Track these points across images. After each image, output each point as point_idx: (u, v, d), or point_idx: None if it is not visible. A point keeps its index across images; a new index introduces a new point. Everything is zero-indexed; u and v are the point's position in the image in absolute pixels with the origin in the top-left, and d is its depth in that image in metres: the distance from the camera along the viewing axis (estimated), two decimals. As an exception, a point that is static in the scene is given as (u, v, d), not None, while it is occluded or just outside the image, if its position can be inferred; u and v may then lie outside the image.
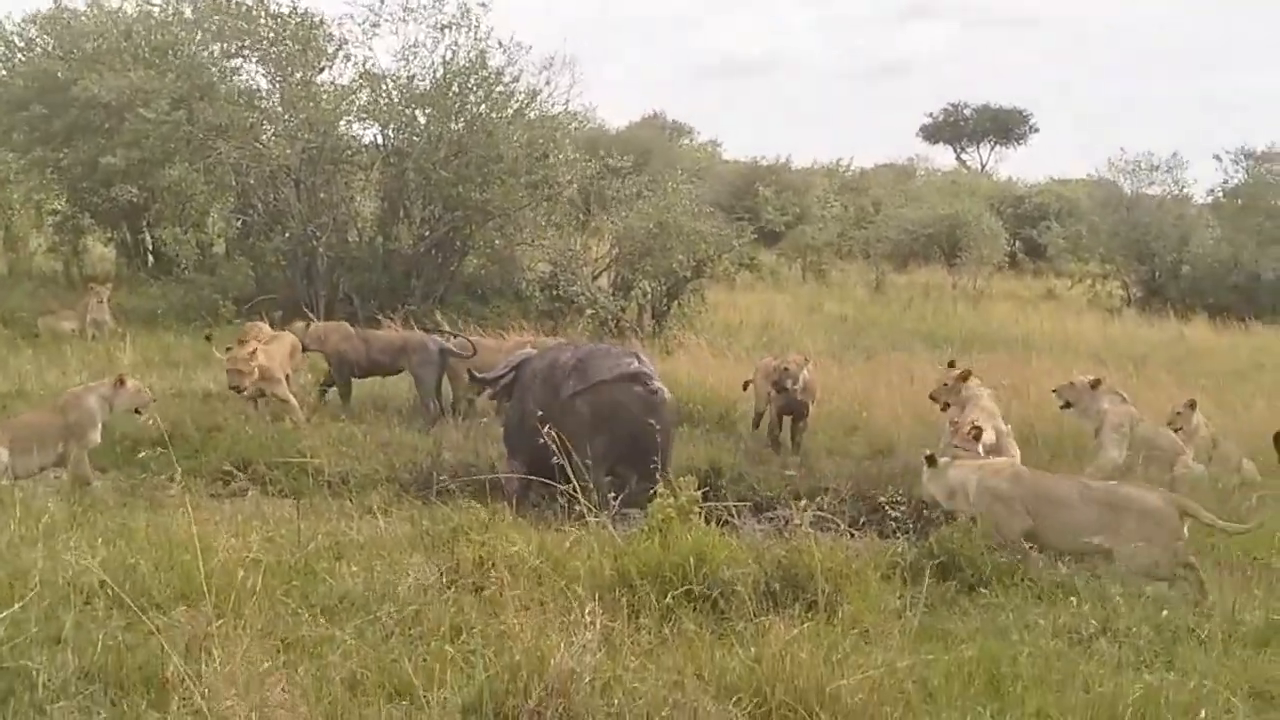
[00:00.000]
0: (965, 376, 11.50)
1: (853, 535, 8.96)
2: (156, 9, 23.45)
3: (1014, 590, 7.98)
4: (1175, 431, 12.19)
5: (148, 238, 25.65)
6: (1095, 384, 12.00)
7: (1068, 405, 12.06)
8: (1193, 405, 12.64)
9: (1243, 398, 15.95)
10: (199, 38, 22.17)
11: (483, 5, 21.49)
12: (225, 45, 22.18)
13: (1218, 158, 34.73)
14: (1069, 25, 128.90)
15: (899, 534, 8.93)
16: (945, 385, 11.67)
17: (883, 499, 9.73)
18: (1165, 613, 7.33)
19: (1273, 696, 6.24)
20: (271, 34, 21.53)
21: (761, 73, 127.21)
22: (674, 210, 21.93)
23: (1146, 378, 16.50)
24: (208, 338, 14.86)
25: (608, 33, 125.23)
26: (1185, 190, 35.85)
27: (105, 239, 27.27)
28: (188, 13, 22.90)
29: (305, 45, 21.54)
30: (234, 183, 21.48)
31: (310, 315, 16.83)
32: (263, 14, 21.69)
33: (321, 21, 21.88)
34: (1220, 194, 35.32)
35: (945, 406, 11.68)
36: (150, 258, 25.64)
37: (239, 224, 22.81)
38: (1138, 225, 34.10)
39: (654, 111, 57.05)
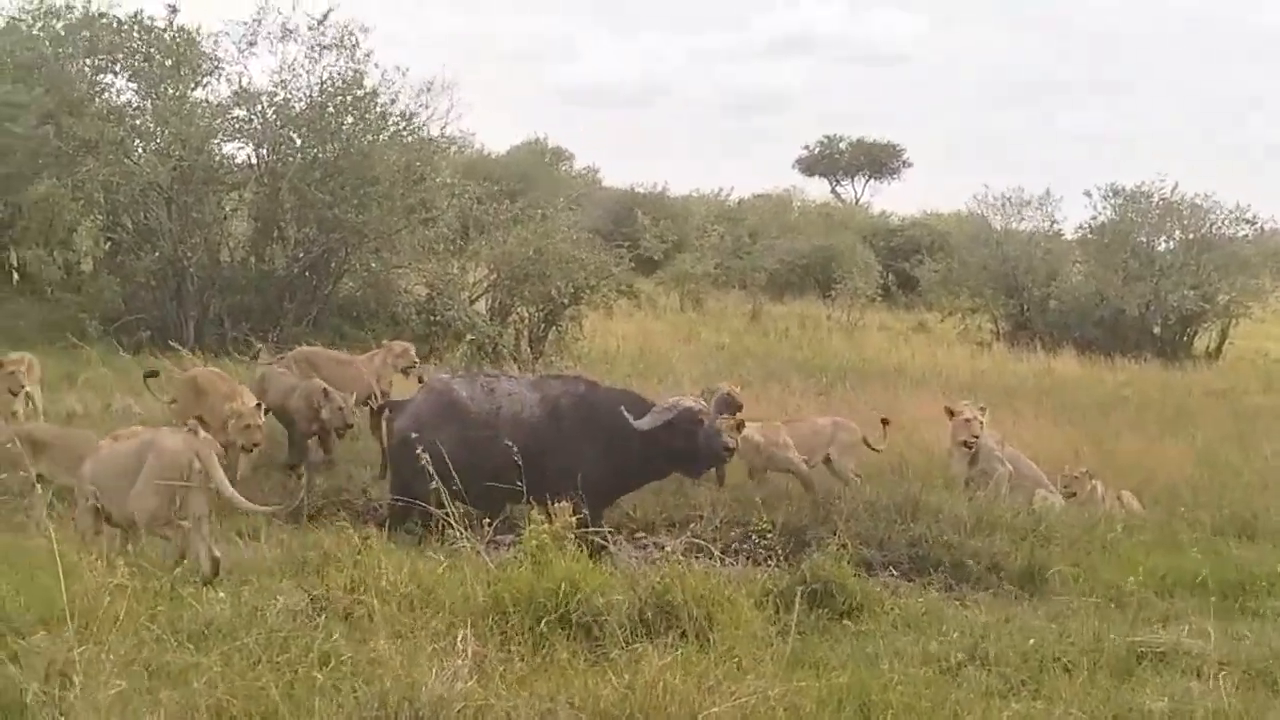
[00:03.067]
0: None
1: (724, 562, 9.01)
2: (25, 24, 22.91)
3: (884, 618, 8.07)
4: (1069, 497, 12.48)
5: (12, 254, 25.00)
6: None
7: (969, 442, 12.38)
8: (1090, 475, 12.93)
9: (1110, 430, 16.32)
10: (69, 51, 21.72)
11: (364, 30, 21.50)
12: (96, 60, 21.76)
13: (1088, 194, 35.40)
14: (939, 62, 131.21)
15: (771, 561, 8.99)
16: None
17: (754, 526, 9.81)
18: (1031, 641, 7.45)
19: (1135, 724, 6.36)
20: (144, 48, 21.19)
21: (639, 103, 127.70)
22: (553, 236, 21.96)
23: (1013, 410, 16.81)
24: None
25: (488, 60, 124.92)
26: (1056, 227, 36.62)
27: (-33, 255, 26.58)
28: (58, 27, 22.43)
29: (179, 60, 21.24)
30: (103, 200, 21.05)
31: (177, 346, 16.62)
32: (135, 28, 21.36)
33: (196, 37, 21.63)
34: (1088, 230, 36.06)
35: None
36: (14, 275, 25.02)
37: (107, 242, 22.37)
38: (1007, 260, 34.70)
39: (534, 137, 56.94)
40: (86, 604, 6.28)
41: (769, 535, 9.31)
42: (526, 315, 22.40)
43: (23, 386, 12.39)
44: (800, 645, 7.10)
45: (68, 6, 22.38)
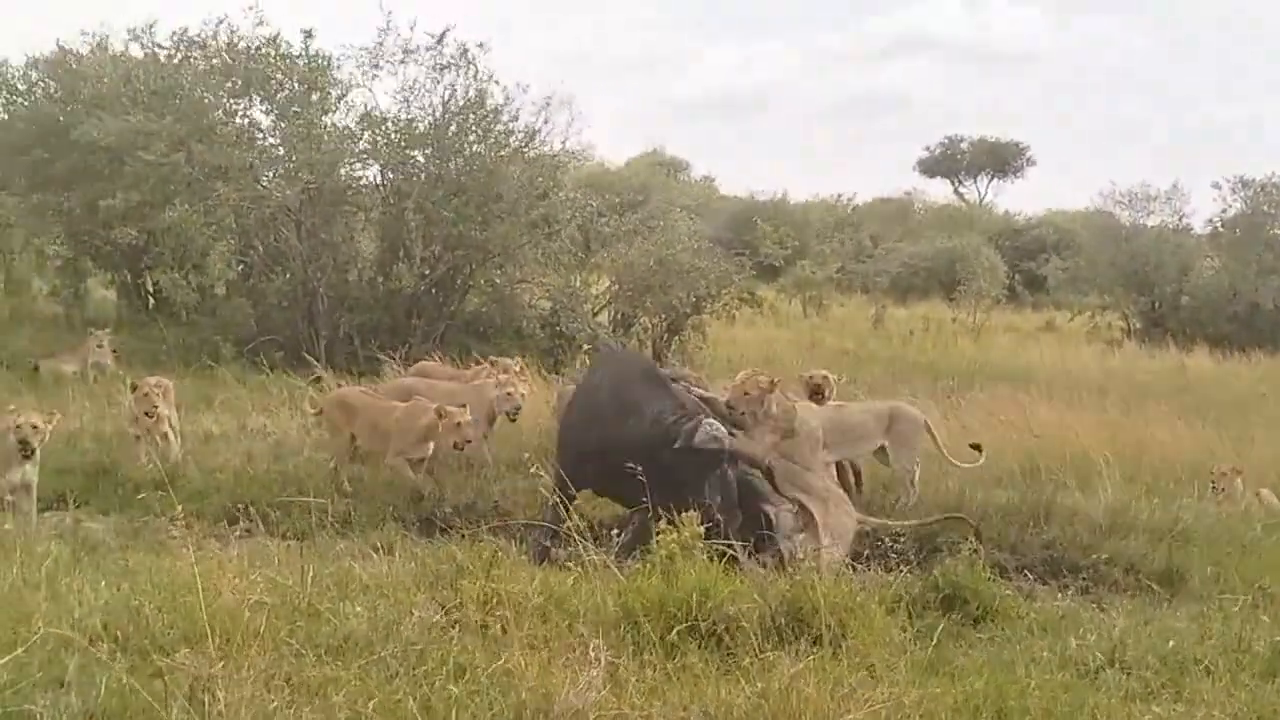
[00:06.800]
0: None
1: (855, 569, 8.95)
2: (163, 54, 23.48)
3: (1019, 623, 7.96)
4: (1218, 494, 12.30)
5: (148, 280, 25.62)
6: (772, 385, 10.74)
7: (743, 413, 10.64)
8: (1238, 472, 12.69)
9: (1247, 427, 15.97)
10: (207, 79, 22.20)
11: (480, 47, 21.69)
12: (233, 84, 22.23)
13: (1216, 186, 34.86)
14: (1059, 58, 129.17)
15: (902, 567, 8.91)
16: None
17: (885, 533, 9.73)
18: (1171, 643, 7.31)
19: (1280, 727, 6.21)
20: (280, 74, 21.64)
21: (754, 110, 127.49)
22: (673, 246, 22.03)
23: (1146, 409, 16.50)
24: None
25: (603, 75, 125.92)
26: (1184, 221, 35.99)
27: (106, 282, 27.32)
28: (196, 57, 22.96)
29: (311, 86, 21.65)
30: (234, 224, 21.48)
31: (309, 358, 16.90)
32: (273, 54, 21.82)
33: (329, 64, 22.02)
34: (1219, 224, 35.38)
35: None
36: (151, 300, 25.63)
37: (239, 265, 22.83)
38: (1136, 256, 34.17)
39: (651, 148, 57.20)
40: (227, 621, 6.40)
41: (900, 541, 9.23)
42: (649, 325, 22.49)
43: (155, 407, 12.43)
44: (934, 652, 7.03)
45: (212, 36, 22.98)
